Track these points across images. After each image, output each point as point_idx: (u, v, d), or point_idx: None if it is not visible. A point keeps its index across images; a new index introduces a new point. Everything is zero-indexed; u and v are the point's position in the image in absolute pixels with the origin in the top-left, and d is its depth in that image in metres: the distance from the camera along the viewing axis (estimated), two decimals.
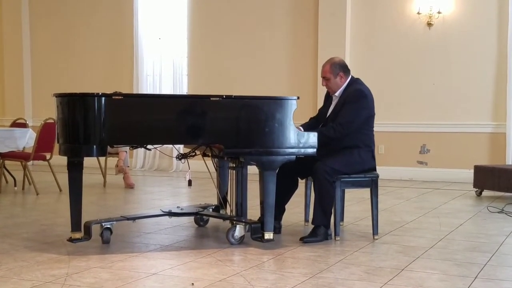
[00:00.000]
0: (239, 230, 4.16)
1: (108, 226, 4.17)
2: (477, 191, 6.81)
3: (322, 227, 4.26)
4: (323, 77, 4.46)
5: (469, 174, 7.18)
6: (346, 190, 4.69)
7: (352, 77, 4.50)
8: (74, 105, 3.89)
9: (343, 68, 4.44)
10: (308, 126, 4.50)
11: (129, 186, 7.37)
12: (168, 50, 9.81)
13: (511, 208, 5.72)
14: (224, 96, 4.04)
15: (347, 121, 4.30)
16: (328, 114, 4.52)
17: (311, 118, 4.73)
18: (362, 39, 8.62)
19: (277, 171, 4.11)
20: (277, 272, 3.48)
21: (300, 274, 3.41)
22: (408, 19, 8.37)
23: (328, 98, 4.63)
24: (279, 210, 4.47)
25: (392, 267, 3.56)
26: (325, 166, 4.20)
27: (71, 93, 3.97)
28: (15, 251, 3.94)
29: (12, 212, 5.69)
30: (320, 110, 4.73)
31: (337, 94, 4.47)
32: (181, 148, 6.02)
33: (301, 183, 4.69)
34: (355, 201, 6.09)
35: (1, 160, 6.94)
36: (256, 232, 4.08)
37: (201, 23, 9.58)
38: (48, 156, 6.99)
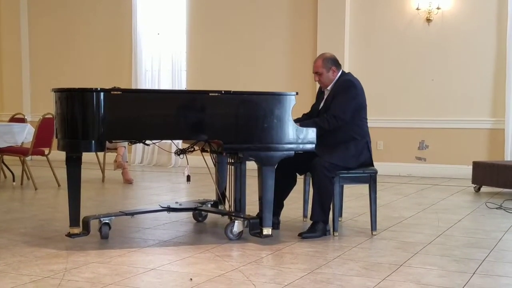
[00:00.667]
0: (237, 226, 4.16)
1: (107, 221, 4.17)
2: (475, 187, 6.82)
3: (321, 223, 4.26)
4: (316, 72, 4.49)
5: (468, 170, 7.19)
6: (345, 186, 4.69)
7: (343, 71, 4.53)
8: (72, 100, 3.89)
9: (335, 63, 4.48)
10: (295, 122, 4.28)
11: (128, 181, 7.37)
12: (167, 46, 9.80)
13: (509, 204, 5.73)
14: (222, 92, 4.04)
15: (340, 111, 4.31)
16: (320, 107, 4.54)
17: (303, 115, 4.73)
18: (361, 35, 8.61)
19: (275, 166, 4.11)
20: (276, 268, 3.48)
21: (298, 269, 3.41)
22: (407, 15, 8.36)
23: (320, 94, 4.66)
24: (278, 206, 4.47)
25: (391, 263, 3.56)
26: (324, 161, 4.20)
27: (69, 88, 3.97)
28: (13, 246, 3.93)
29: (10, 207, 5.69)
30: (312, 106, 4.73)
31: (329, 88, 4.49)
32: (179, 143, 6.02)
33: (300, 178, 4.69)
34: (353, 197, 6.10)
35: (0, 155, 6.94)
36: (254, 227, 4.08)
37: (200, 19, 9.57)
38: (46, 151, 6.98)
